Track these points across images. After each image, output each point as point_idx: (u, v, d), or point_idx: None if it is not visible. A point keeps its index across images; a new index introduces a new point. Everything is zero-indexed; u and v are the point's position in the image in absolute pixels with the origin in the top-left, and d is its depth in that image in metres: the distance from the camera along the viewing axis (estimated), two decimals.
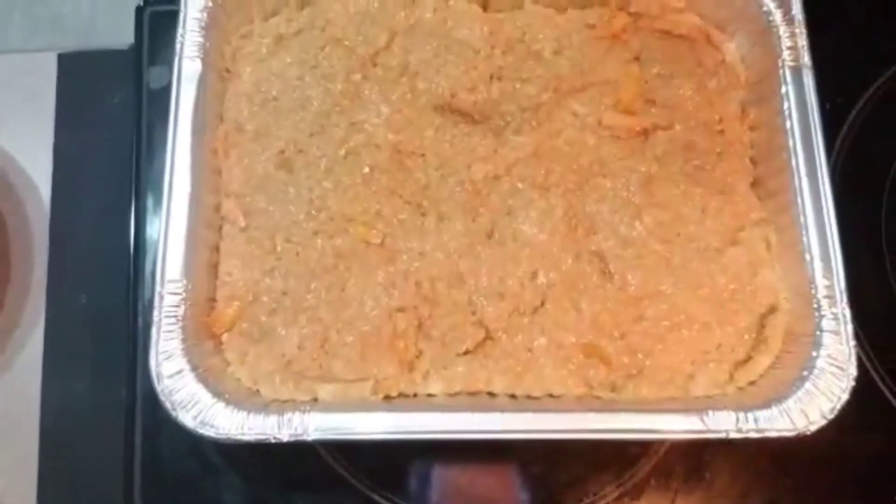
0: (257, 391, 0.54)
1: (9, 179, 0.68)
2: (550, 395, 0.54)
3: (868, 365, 0.60)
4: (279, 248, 0.57)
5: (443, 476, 0.58)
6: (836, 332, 0.52)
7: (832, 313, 0.52)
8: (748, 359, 0.55)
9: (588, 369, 0.55)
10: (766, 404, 0.51)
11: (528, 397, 0.54)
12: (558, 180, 0.58)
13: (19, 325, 0.65)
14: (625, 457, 0.59)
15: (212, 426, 0.50)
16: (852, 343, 0.52)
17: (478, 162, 0.58)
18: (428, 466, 0.58)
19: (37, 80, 0.70)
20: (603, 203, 0.58)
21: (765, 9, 0.59)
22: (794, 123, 0.56)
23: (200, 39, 0.57)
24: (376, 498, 0.57)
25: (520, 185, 0.58)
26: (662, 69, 0.61)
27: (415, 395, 0.54)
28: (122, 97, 0.68)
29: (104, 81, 0.69)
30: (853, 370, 0.51)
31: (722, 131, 0.60)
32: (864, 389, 0.52)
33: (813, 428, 0.50)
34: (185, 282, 0.53)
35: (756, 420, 0.50)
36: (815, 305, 0.53)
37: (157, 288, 0.52)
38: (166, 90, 0.56)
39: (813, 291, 0.53)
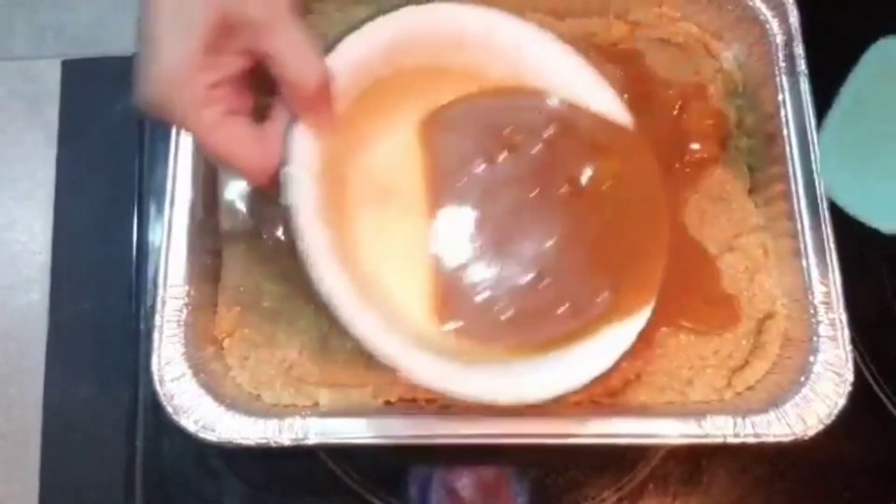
0: (258, 396, 0.54)
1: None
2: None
3: (865, 370, 0.60)
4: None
5: (442, 480, 0.58)
6: (833, 338, 0.52)
7: (829, 319, 0.52)
8: (746, 364, 0.55)
9: None
10: (764, 409, 0.51)
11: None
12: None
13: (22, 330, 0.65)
14: (623, 462, 0.59)
15: (213, 430, 0.51)
16: (849, 348, 0.52)
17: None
18: (427, 471, 0.58)
19: (39, 87, 0.71)
20: None
21: (762, 17, 0.59)
22: (790, 131, 0.56)
23: None
24: (376, 502, 0.58)
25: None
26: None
27: (414, 400, 0.54)
28: (125, 104, 0.69)
29: (107, 88, 0.70)
30: (850, 375, 0.51)
31: (720, 139, 0.60)
32: (861, 395, 0.52)
33: (810, 433, 0.50)
34: (186, 287, 0.53)
35: (753, 425, 0.51)
36: (812, 311, 0.53)
37: (159, 293, 0.53)
38: None
39: (810, 297, 0.53)
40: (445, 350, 0.46)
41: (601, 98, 0.51)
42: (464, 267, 0.49)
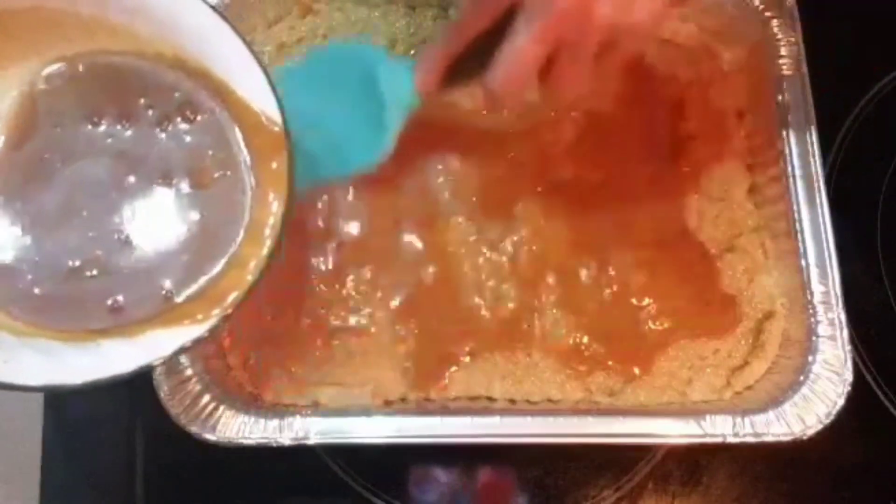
0: (259, 395, 0.55)
1: None
2: (549, 400, 0.55)
3: (864, 369, 0.60)
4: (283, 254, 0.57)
5: (442, 480, 0.58)
6: (832, 338, 0.52)
7: (828, 318, 0.53)
8: (745, 364, 0.56)
9: (587, 374, 0.55)
10: (763, 409, 0.51)
11: (527, 402, 0.55)
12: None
13: None
14: (623, 461, 0.59)
15: (213, 430, 0.51)
16: (848, 348, 0.52)
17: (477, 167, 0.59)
18: (428, 470, 0.59)
19: None
20: None
21: (762, 18, 0.59)
22: (790, 132, 0.56)
23: None
24: (377, 501, 0.58)
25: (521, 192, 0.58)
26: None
27: (414, 400, 0.55)
28: None
29: None
30: (849, 375, 0.51)
31: (720, 139, 0.60)
32: (860, 394, 0.53)
33: (809, 432, 0.51)
34: None
35: (753, 425, 0.51)
36: (811, 311, 0.53)
37: None
38: None
39: (809, 297, 0.53)
40: None
41: (252, 85, 0.44)
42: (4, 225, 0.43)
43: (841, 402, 0.51)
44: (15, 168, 0.44)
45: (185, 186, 0.45)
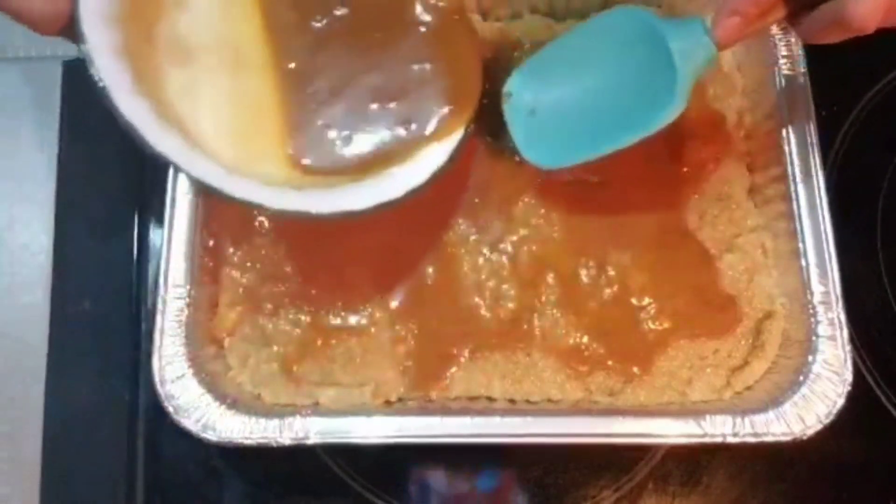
0: (259, 395, 0.55)
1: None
2: (549, 400, 0.55)
3: (864, 369, 0.60)
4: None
5: (442, 479, 0.58)
6: (832, 338, 0.52)
7: (828, 318, 0.53)
8: (745, 364, 0.56)
9: (587, 374, 0.55)
10: (763, 409, 0.51)
11: (527, 402, 0.55)
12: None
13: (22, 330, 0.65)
14: (622, 461, 0.59)
15: (213, 430, 0.51)
16: (848, 348, 0.52)
17: (477, 169, 0.59)
18: (427, 470, 0.59)
19: (40, 87, 0.71)
20: None
21: None
22: (790, 132, 0.56)
23: None
24: (377, 501, 0.58)
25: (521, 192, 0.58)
26: None
27: (414, 400, 0.55)
28: None
29: None
30: (849, 375, 0.51)
31: (720, 139, 0.60)
32: (860, 394, 0.53)
33: (809, 432, 0.51)
34: (187, 287, 0.53)
35: (753, 425, 0.51)
36: (811, 311, 0.53)
37: (161, 293, 0.53)
38: None
39: (809, 297, 0.53)
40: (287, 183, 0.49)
41: None
42: (313, 110, 0.52)
43: (841, 402, 0.51)
44: (303, 59, 0.53)
45: (423, 27, 0.54)
